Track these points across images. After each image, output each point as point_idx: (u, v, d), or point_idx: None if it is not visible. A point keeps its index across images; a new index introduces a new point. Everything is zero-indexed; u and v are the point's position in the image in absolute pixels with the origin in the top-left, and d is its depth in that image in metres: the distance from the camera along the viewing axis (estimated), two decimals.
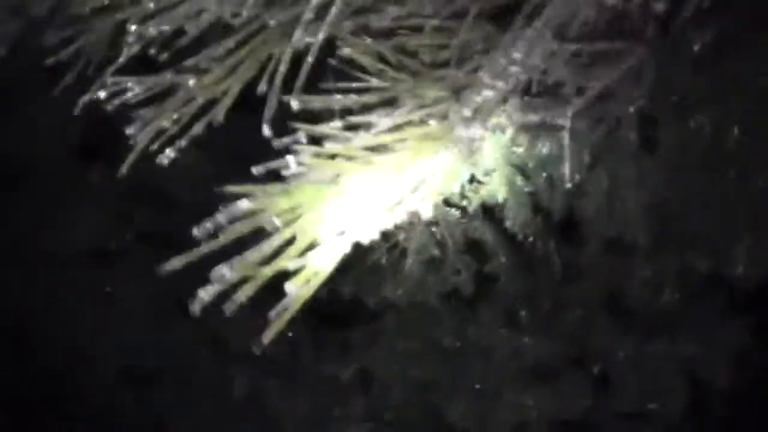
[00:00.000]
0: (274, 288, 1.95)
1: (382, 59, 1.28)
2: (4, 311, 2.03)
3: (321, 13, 1.21)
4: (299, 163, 1.13)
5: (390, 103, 1.26)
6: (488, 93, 1.24)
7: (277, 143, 1.17)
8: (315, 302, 1.77)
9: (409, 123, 1.22)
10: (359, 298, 2.08)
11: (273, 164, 1.13)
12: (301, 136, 1.15)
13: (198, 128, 1.31)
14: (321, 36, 1.17)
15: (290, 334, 2.03)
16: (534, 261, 1.91)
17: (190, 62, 1.28)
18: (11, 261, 1.97)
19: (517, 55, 1.23)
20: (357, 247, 1.59)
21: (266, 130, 1.20)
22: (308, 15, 1.19)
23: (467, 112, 1.24)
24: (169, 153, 1.25)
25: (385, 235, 1.55)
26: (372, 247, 1.62)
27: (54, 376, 2.14)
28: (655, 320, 2.04)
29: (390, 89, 1.27)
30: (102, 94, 1.25)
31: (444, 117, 1.25)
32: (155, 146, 1.31)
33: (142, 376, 2.18)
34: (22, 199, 1.64)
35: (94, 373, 2.16)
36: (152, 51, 1.27)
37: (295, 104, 1.17)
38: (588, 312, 2.05)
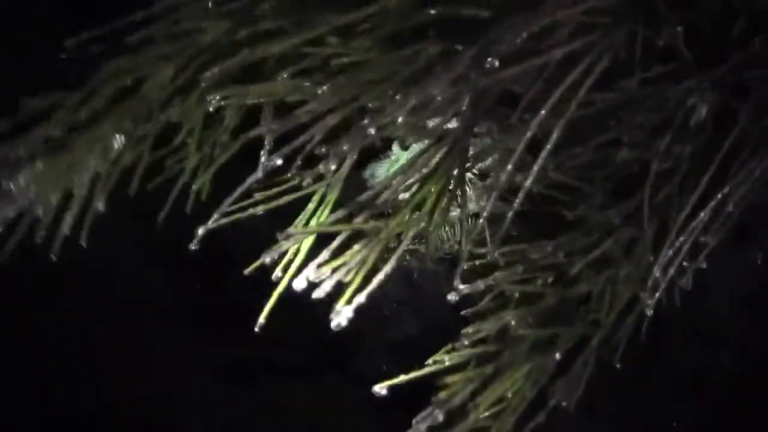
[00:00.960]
0: (332, 362, 1.87)
1: None
2: (76, 353, 1.99)
3: None
4: None
5: None
6: None
7: None
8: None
9: None
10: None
11: None
12: None
13: None
14: None
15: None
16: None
17: None
18: (89, 313, 1.94)
19: None
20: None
21: None
22: None
23: None
24: None
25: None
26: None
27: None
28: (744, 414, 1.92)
29: None
30: None
31: None
32: None
33: None
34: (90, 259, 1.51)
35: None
36: None
37: None
38: (670, 403, 1.93)
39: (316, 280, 1.34)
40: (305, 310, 1.47)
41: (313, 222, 1.40)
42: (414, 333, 1.84)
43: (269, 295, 1.49)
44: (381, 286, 1.59)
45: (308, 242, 1.40)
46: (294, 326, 1.64)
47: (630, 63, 1.38)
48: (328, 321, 1.57)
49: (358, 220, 1.35)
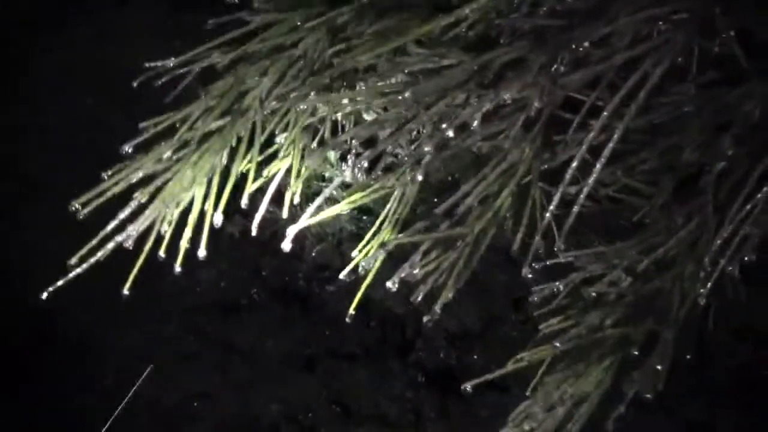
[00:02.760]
0: (390, 349, 1.97)
1: None
2: (129, 350, 2.12)
3: None
4: None
5: None
6: None
7: None
8: (444, 369, 1.77)
9: None
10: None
11: None
12: None
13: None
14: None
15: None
16: None
17: None
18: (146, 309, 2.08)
19: None
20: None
21: None
22: None
23: None
24: None
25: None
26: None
27: (175, 416, 2.17)
28: None
29: None
30: None
31: None
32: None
33: (266, 426, 2.17)
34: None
35: (215, 418, 2.19)
36: None
37: None
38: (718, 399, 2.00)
39: (409, 279, 1.47)
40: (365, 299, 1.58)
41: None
42: (472, 321, 1.92)
43: (331, 285, 1.60)
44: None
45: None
46: (355, 314, 1.74)
47: (688, 69, 1.51)
48: (388, 309, 1.68)
49: (443, 227, 1.47)
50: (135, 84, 1.50)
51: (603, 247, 1.49)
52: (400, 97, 1.42)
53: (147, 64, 1.50)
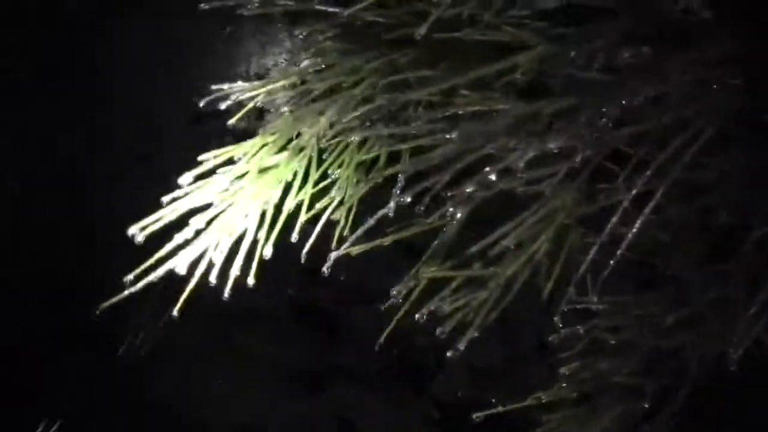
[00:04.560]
0: (407, 378, 2.04)
1: None
2: (137, 353, 2.18)
3: None
4: None
5: None
6: None
7: None
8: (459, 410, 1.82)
9: None
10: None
11: None
12: None
13: None
14: None
15: None
16: None
17: None
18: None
19: None
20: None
21: None
22: None
23: None
24: None
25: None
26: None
27: (178, 426, 2.22)
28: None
29: None
30: None
31: None
32: None
33: None
34: None
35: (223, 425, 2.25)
36: None
37: None
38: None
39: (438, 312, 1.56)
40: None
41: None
42: (497, 359, 1.98)
43: (356, 306, 1.68)
44: None
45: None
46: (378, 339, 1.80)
47: (738, 132, 1.56)
48: (411, 337, 1.76)
49: (476, 266, 1.55)
50: (201, 104, 1.62)
51: (628, 297, 1.55)
52: (447, 137, 1.50)
53: (213, 86, 1.61)
